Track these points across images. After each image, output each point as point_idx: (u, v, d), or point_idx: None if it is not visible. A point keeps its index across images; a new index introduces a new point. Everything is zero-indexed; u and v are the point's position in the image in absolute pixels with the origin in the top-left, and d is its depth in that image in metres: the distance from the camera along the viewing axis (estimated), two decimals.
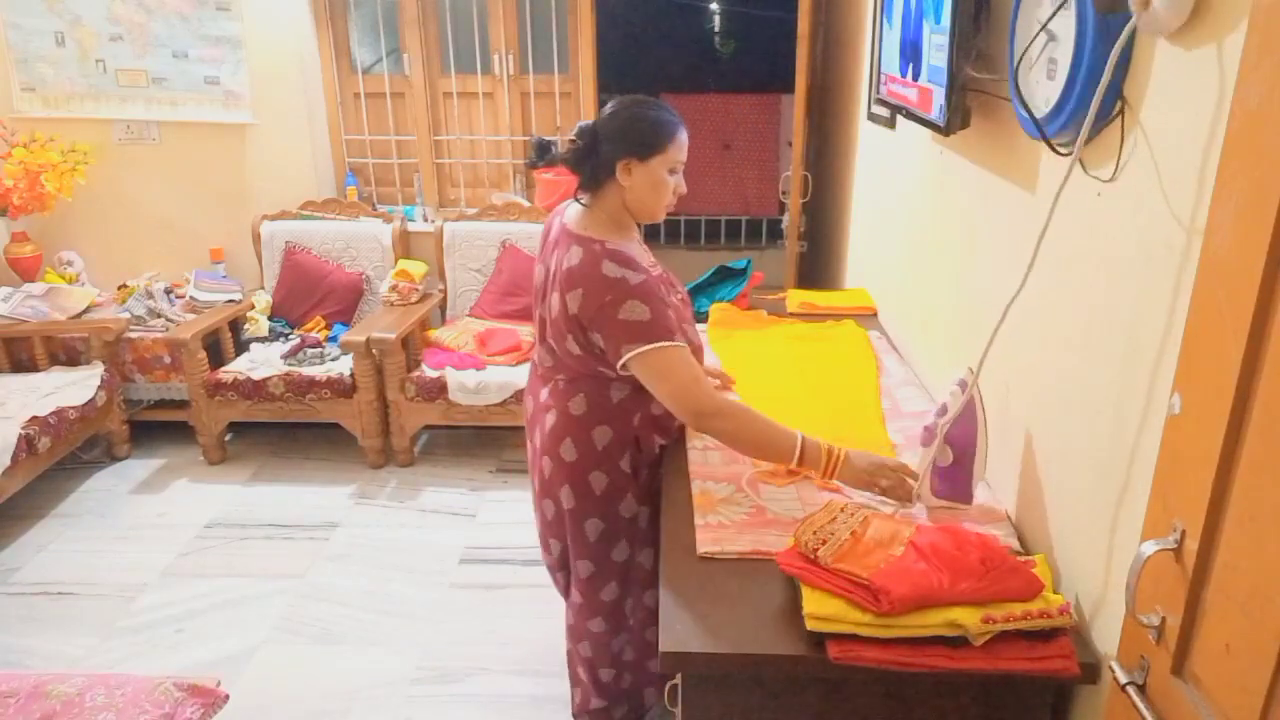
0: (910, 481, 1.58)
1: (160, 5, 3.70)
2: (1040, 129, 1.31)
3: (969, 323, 1.84)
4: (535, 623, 2.61)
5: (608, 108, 1.75)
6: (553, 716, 2.27)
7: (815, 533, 1.35)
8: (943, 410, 1.52)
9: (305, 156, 3.95)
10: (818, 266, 4.02)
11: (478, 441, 3.78)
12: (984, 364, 1.46)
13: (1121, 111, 1.19)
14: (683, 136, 1.73)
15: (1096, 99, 1.14)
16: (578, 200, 1.80)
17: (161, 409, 3.73)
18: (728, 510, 1.60)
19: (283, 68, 3.81)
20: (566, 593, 2.12)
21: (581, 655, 2.08)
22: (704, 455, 1.82)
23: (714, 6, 5.89)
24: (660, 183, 1.72)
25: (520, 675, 2.41)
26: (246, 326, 3.76)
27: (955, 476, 1.53)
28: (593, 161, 1.72)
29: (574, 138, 1.75)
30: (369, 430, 3.50)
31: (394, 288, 3.70)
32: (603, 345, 1.67)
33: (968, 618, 1.21)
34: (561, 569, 2.08)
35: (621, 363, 1.64)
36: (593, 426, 1.78)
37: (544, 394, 1.88)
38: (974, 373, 1.47)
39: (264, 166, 3.95)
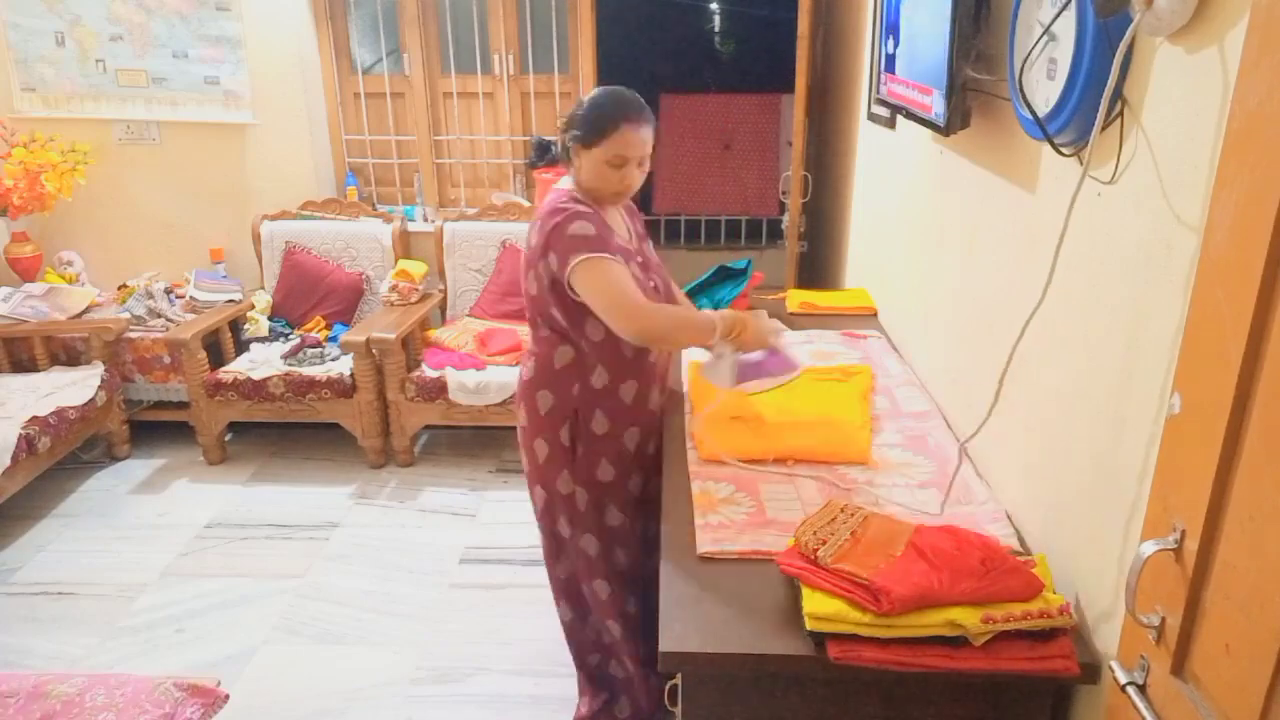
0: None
1: (160, 5, 3.70)
2: (1044, 129, 1.31)
3: (969, 323, 1.84)
4: (535, 623, 2.61)
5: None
6: (553, 716, 2.27)
7: (815, 533, 1.35)
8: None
9: (305, 156, 3.95)
10: (818, 266, 4.02)
11: (478, 441, 3.78)
12: (982, 364, 1.46)
13: (1122, 112, 1.19)
14: (628, 133, 1.79)
15: (1104, 102, 1.13)
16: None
17: (161, 409, 3.73)
18: (728, 510, 1.60)
19: (283, 68, 3.81)
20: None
21: (571, 652, 2.13)
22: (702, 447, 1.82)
23: (714, 6, 5.88)
24: (601, 171, 1.82)
25: (520, 675, 2.41)
26: (246, 326, 3.76)
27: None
28: (563, 141, 1.88)
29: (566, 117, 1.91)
30: (369, 430, 3.50)
31: (394, 288, 3.70)
32: (556, 265, 1.78)
33: (968, 618, 1.21)
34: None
35: (569, 271, 1.75)
36: (538, 390, 1.91)
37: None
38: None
39: (264, 166, 3.95)
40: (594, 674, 2.17)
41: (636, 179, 1.86)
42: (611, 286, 1.75)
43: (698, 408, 2.00)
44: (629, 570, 2.04)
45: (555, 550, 2.06)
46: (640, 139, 1.81)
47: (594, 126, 1.79)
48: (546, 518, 2.02)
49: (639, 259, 1.93)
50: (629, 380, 1.91)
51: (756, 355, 1.88)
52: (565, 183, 1.90)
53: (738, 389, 1.89)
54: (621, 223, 1.96)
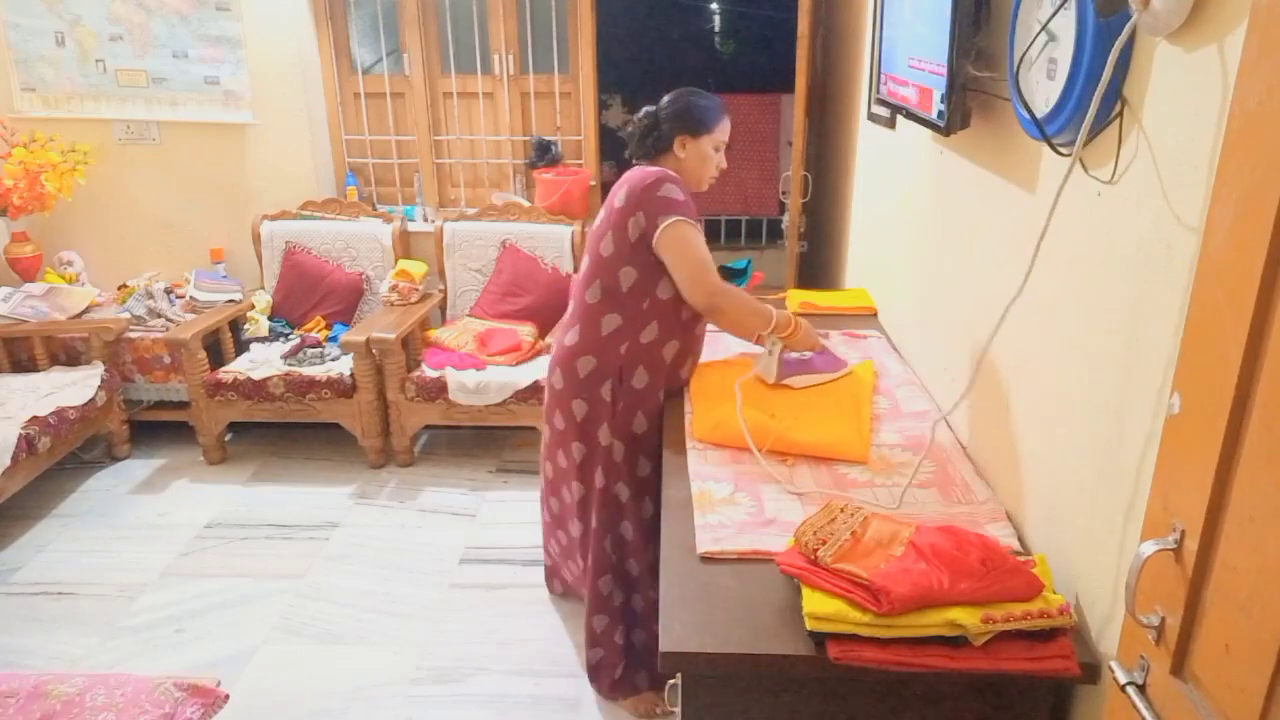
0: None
1: (160, 5, 3.70)
2: (1041, 129, 1.31)
3: (969, 322, 1.84)
4: (535, 622, 2.61)
5: (668, 96, 2.12)
6: (553, 716, 2.27)
7: (815, 533, 1.35)
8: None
9: (305, 156, 3.95)
10: (818, 266, 4.02)
11: (478, 441, 3.78)
12: (983, 363, 1.46)
13: (1121, 111, 1.19)
14: (726, 121, 2.12)
15: (1096, 99, 1.14)
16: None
17: (161, 409, 3.73)
18: (728, 510, 1.60)
19: (283, 68, 3.81)
20: (564, 581, 2.24)
21: (598, 628, 2.21)
22: (704, 455, 1.82)
23: (714, 6, 5.89)
24: (707, 156, 2.11)
25: (520, 675, 2.41)
26: (246, 326, 3.76)
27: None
28: (654, 136, 2.09)
29: (640, 118, 2.12)
30: (369, 430, 3.50)
31: (394, 288, 3.70)
32: (644, 223, 1.97)
33: (968, 618, 1.21)
34: (556, 526, 2.31)
35: (658, 233, 1.94)
36: (579, 356, 2.09)
37: (560, 331, 2.20)
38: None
39: (264, 166, 3.95)
40: (615, 644, 2.23)
41: (724, 163, 2.15)
42: (697, 252, 1.97)
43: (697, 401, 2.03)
44: (653, 521, 2.15)
45: (587, 503, 2.19)
46: (730, 126, 2.14)
47: (707, 117, 2.08)
48: (582, 473, 2.17)
49: None
50: (674, 340, 2.09)
51: (805, 353, 2.10)
52: (652, 166, 2.07)
53: (784, 383, 2.07)
54: None
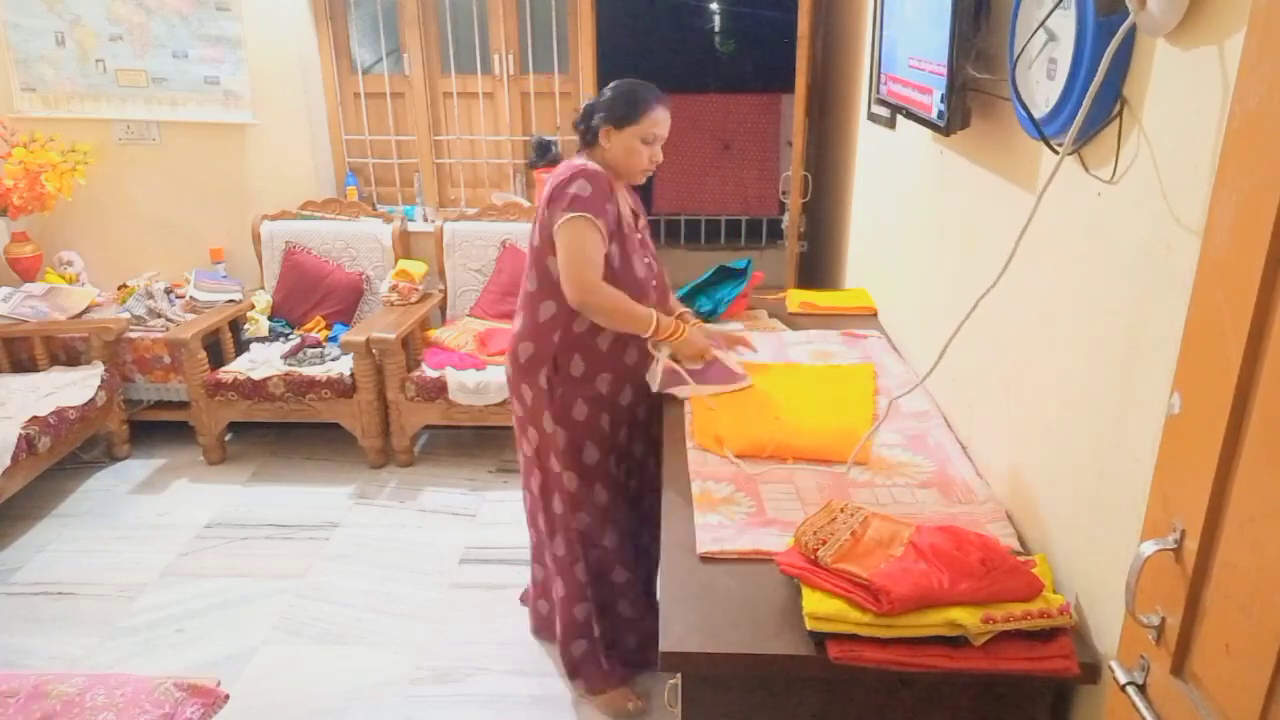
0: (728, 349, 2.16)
1: (160, 5, 3.70)
2: (1039, 129, 1.31)
3: (969, 322, 1.83)
4: None
5: (609, 86, 2.08)
6: (553, 716, 2.27)
7: (815, 533, 1.35)
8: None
9: (305, 156, 3.95)
10: (818, 266, 4.02)
11: (478, 441, 3.78)
12: (982, 363, 1.46)
13: (1121, 111, 1.19)
14: (658, 114, 2.04)
15: (1089, 98, 1.14)
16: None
17: (161, 409, 3.73)
18: (728, 510, 1.60)
19: (283, 68, 3.81)
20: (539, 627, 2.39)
21: (557, 595, 2.24)
22: (703, 455, 1.82)
23: (714, 6, 5.89)
24: (633, 149, 2.04)
25: (520, 675, 2.41)
26: (246, 326, 3.76)
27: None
28: (584, 126, 2.07)
29: (581, 108, 2.11)
30: (369, 430, 3.50)
31: (394, 288, 3.70)
32: (550, 217, 1.96)
33: (968, 618, 1.21)
34: (529, 520, 2.33)
35: (555, 227, 1.94)
36: (520, 341, 2.11)
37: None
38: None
39: (264, 166, 3.95)
40: (576, 621, 2.24)
41: (659, 156, 2.09)
42: (581, 251, 1.93)
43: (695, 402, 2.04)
44: (610, 508, 2.19)
45: (547, 489, 2.20)
46: (666, 118, 2.07)
47: (630, 107, 2.02)
48: (539, 459, 2.19)
49: (638, 235, 2.14)
50: (607, 331, 2.06)
51: (697, 364, 2.10)
52: (580, 160, 2.05)
53: (670, 391, 2.08)
54: (627, 201, 2.13)
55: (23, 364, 3.59)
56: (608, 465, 2.17)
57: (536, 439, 2.17)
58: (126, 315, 3.66)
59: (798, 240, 3.73)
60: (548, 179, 2.04)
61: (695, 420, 1.96)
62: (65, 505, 3.33)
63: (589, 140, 2.08)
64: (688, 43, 5.85)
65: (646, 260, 2.14)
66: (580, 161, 2.02)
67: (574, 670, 2.27)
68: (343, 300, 3.87)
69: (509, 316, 3.72)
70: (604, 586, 2.24)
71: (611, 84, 2.08)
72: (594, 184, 1.96)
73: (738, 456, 1.78)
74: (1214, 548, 0.87)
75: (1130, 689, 0.98)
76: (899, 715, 1.31)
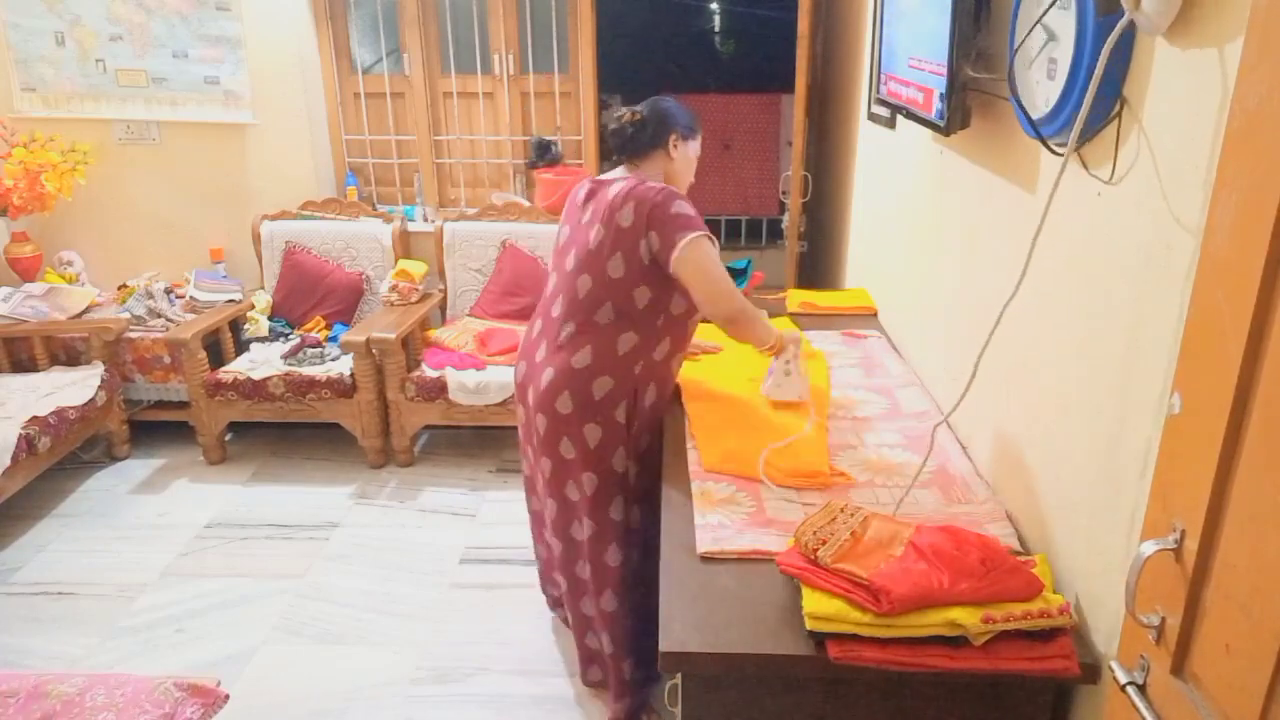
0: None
1: (160, 5, 3.70)
2: (1036, 129, 1.31)
3: (969, 323, 1.84)
4: (535, 623, 2.61)
5: (648, 101, 2.09)
6: (553, 716, 2.27)
7: (815, 533, 1.35)
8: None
9: (305, 156, 3.95)
10: (818, 266, 4.02)
11: (478, 441, 3.78)
12: (982, 363, 1.46)
13: (1121, 111, 1.19)
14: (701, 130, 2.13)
15: (1089, 98, 1.14)
16: (619, 167, 2.10)
17: (161, 409, 3.73)
18: (728, 510, 1.60)
19: (283, 68, 3.81)
20: (557, 603, 2.13)
21: (607, 653, 2.11)
22: (704, 456, 1.82)
23: (714, 6, 5.89)
24: (692, 160, 2.12)
25: (520, 675, 2.41)
26: (246, 326, 3.76)
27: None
28: (648, 133, 2.04)
29: (625, 117, 2.07)
30: (369, 430, 3.50)
31: (394, 288, 3.70)
32: (658, 244, 1.88)
33: (968, 618, 1.21)
34: (560, 565, 2.11)
35: (678, 251, 1.86)
36: (595, 377, 1.94)
37: (541, 352, 2.01)
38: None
39: (264, 166, 3.95)
40: (624, 680, 2.12)
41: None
42: (716, 267, 1.91)
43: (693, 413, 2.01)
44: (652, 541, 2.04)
45: (603, 538, 2.01)
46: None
47: (692, 118, 2.09)
48: (596, 505, 1.99)
49: None
50: (679, 353, 2.06)
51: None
52: (620, 173, 2.06)
53: (780, 397, 2.02)
54: None
55: (23, 364, 3.59)
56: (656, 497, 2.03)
57: (595, 482, 1.97)
58: (126, 315, 3.66)
59: (798, 240, 3.73)
60: (621, 198, 1.92)
61: (699, 441, 1.88)
62: (65, 505, 3.33)
63: (654, 144, 2.04)
64: (688, 43, 5.86)
65: None
66: (640, 177, 1.97)
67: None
68: (343, 300, 3.87)
69: (509, 317, 3.75)
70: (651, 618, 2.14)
71: (653, 98, 2.10)
72: (684, 199, 1.93)
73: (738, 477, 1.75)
74: (1214, 548, 0.87)
75: (1130, 689, 0.98)
76: (899, 715, 1.31)
